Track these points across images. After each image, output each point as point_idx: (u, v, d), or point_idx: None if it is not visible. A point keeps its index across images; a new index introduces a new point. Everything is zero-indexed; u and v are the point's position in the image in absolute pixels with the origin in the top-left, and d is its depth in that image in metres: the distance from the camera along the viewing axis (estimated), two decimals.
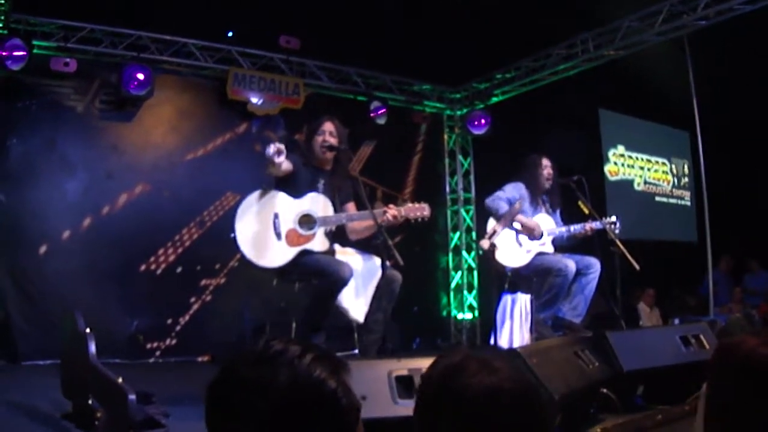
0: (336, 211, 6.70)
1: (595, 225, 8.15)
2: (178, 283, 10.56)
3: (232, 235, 6.50)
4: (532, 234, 8.17)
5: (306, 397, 1.62)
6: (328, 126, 6.83)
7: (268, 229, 6.50)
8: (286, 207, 6.54)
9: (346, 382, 1.70)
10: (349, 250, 6.85)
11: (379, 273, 6.41)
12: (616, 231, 8.15)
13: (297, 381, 1.62)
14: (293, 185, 6.63)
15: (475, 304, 13.78)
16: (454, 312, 13.83)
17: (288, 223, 6.51)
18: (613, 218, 8.26)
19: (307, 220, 6.54)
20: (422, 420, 1.98)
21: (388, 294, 6.42)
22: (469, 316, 13.77)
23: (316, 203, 6.64)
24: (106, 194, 10.18)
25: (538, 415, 1.90)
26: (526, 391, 1.91)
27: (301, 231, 6.50)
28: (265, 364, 1.64)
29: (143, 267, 10.33)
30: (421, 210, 6.67)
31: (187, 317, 10.55)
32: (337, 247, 6.82)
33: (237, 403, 1.62)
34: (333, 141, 6.77)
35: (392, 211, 6.51)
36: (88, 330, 5.43)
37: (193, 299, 10.61)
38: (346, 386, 1.70)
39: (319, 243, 6.55)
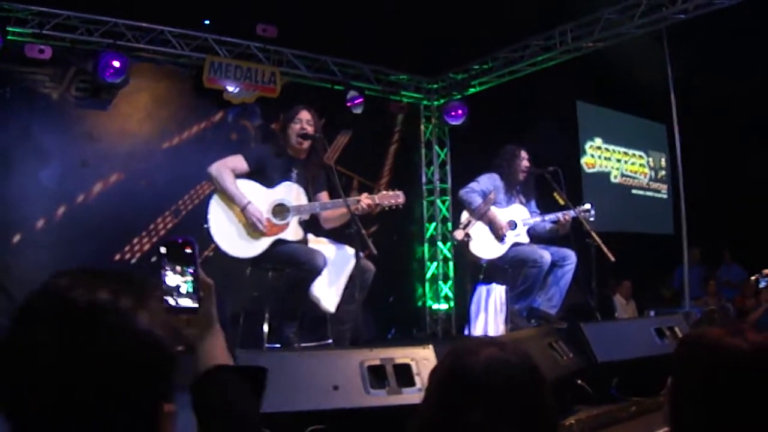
0: (309, 200, 6.72)
1: (570, 213, 8.16)
2: (153, 273, 10.39)
3: (205, 225, 6.48)
4: (501, 231, 8.16)
5: (132, 360, 1.37)
6: (305, 114, 6.80)
7: (241, 221, 6.50)
8: (259, 197, 6.54)
9: (166, 320, 1.51)
10: (323, 240, 6.85)
11: (352, 263, 6.41)
12: (591, 219, 8.16)
13: (119, 344, 1.37)
14: (264, 175, 6.65)
15: (450, 295, 13.78)
16: (429, 302, 13.83)
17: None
18: (587, 206, 8.28)
19: (280, 210, 6.53)
20: (433, 401, 1.93)
21: (360, 284, 6.37)
22: (444, 306, 13.76)
23: (290, 192, 6.64)
24: (81, 183, 10.08)
25: (537, 390, 1.88)
26: (527, 367, 1.90)
27: (274, 220, 6.50)
28: (75, 328, 1.35)
29: (118, 256, 10.22)
30: (395, 197, 6.67)
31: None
32: (310, 236, 6.81)
33: (45, 379, 1.32)
34: (309, 129, 6.75)
35: (366, 200, 6.52)
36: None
37: None
38: (169, 326, 1.50)
39: (292, 232, 6.57)
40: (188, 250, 2.00)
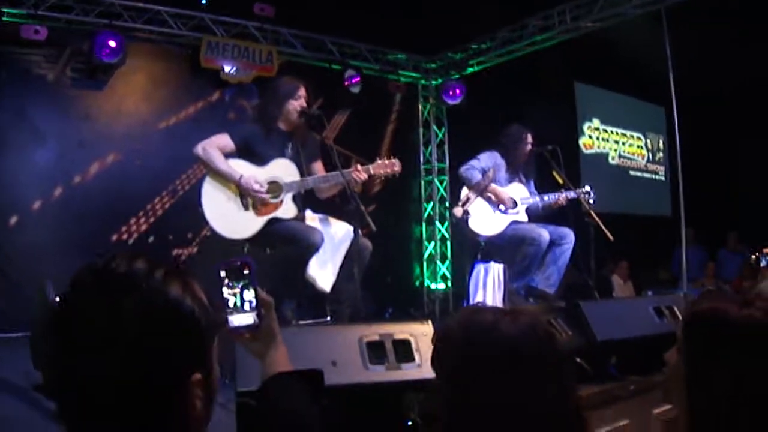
0: (303, 173, 6.65)
1: (570, 194, 8.17)
2: (151, 253, 10.34)
3: (200, 209, 6.47)
4: (504, 205, 8.17)
5: (161, 323, 1.49)
6: (303, 91, 6.75)
7: (235, 201, 6.47)
8: (250, 176, 6.48)
9: (200, 297, 1.59)
10: (319, 217, 6.80)
11: (348, 241, 6.39)
12: (591, 201, 8.18)
13: (150, 305, 1.49)
14: (253, 154, 6.59)
15: (448, 275, 13.83)
16: (427, 282, 13.88)
17: None
18: (587, 188, 8.29)
19: (273, 188, 6.48)
20: (447, 371, 1.94)
21: (358, 262, 6.32)
22: (442, 286, 13.83)
23: (281, 169, 6.58)
24: (78, 164, 10.07)
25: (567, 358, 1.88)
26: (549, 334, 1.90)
27: (267, 200, 6.46)
28: (112, 289, 1.49)
29: (115, 237, 10.24)
30: (391, 166, 6.60)
31: None
32: (308, 213, 6.77)
33: (85, 338, 1.46)
34: (306, 105, 6.72)
35: (359, 174, 6.44)
36: (57, 299, 5.36)
37: None
38: (202, 302, 1.59)
39: (287, 209, 6.51)
40: (246, 271, 2.13)
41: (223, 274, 2.10)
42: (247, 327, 2.15)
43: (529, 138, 8.46)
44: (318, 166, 6.92)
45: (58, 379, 1.50)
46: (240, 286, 2.12)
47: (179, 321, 1.52)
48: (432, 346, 2.04)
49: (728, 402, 1.90)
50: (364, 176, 6.44)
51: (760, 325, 1.90)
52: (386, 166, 6.58)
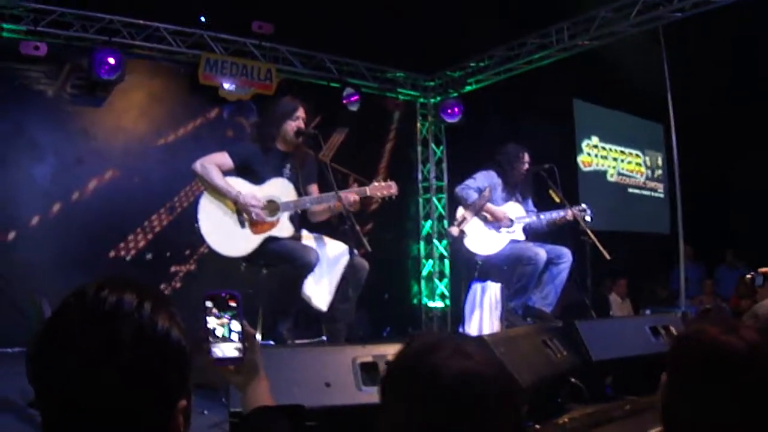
0: (299, 194, 6.64)
1: (567, 214, 8.16)
2: (148, 270, 10.41)
3: (196, 225, 6.45)
4: (500, 223, 8.17)
5: (153, 352, 1.51)
6: (302, 112, 6.76)
7: (231, 218, 6.46)
8: (248, 192, 6.47)
9: (182, 326, 1.61)
10: (315, 236, 6.79)
11: (345, 261, 6.37)
12: (587, 219, 8.17)
13: (142, 336, 1.50)
14: (252, 173, 6.59)
15: (446, 293, 13.80)
16: (425, 300, 13.86)
17: None
18: (583, 206, 8.29)
19: (270, 206, 6.48)
20: (388, 404, 1.87)
21: (354, 282, 6.33)
22: (440, 304, 13.80)
23: (279, 188, 6.58)
24: (76, 180, 10.08)
25: (512, 402, 1.83)
26: (500, 377, 1.83)
27: (264, 217, 6.46)
28: (103, 321, 1.49)
29: (113, 253, 10.23)
30: (387, 188, 6.58)
31: None
32: (304, 232, 6.76)
33: (74, 370, 1.44)
34: (303, 126, 6.72)
35: (353, 196, 6.42)
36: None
37: (162, 286, 10.43)
38: (184, 331, 1.60)
39: (283, 228, 6.50)
40: (232, 303, 2.15)
41: (209, 304, 2.11)
42: (232, 359, 2.17)
43: (526, 157, 8.46)
44: (315, 189, 6.92)
45: (45, 399, 1.50)
46: (229, 316, 2.13)
47: (168, 351, 1.54)
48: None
49: (703, 427, 1.92)
50: (356, 197, 6.43)
51: (738, 353, 1.92)
52: (383, 188, 6.57)
